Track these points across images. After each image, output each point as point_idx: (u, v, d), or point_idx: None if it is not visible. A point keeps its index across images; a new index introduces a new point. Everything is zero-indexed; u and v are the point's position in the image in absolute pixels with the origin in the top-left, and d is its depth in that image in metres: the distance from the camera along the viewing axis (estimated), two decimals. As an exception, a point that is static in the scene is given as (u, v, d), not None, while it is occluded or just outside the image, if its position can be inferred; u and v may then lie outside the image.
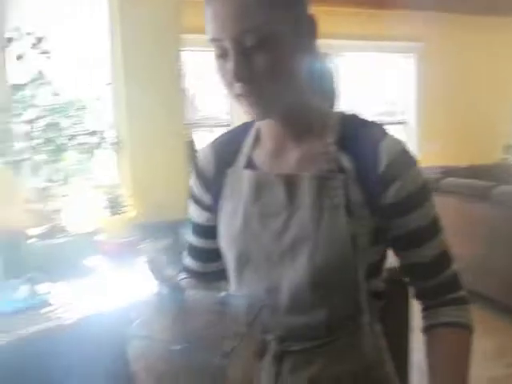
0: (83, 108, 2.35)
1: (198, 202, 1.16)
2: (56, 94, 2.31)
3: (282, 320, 1.02)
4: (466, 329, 1.04)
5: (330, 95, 1.11)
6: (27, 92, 2.24)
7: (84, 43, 2.72)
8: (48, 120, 2.26)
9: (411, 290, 1.11)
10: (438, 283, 1.04)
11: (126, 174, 2.87)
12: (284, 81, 0.96)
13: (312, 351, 1.02)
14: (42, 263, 2.16)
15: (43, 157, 2.28)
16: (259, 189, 1.04)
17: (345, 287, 1.00)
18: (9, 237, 2.28)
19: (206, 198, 1.14)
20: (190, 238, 1.20)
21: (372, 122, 1.05)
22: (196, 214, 1.18)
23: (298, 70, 0.99)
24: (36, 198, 2.42)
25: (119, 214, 2.58)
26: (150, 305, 0.93)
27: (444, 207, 4.67)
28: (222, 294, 0.97)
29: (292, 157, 1.04)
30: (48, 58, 2.26)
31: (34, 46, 2.25)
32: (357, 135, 1.00)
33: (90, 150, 2.37)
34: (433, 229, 1.03)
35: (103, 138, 2.41)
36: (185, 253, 1.24)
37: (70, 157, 2.40)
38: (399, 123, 6.57)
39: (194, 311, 0.92)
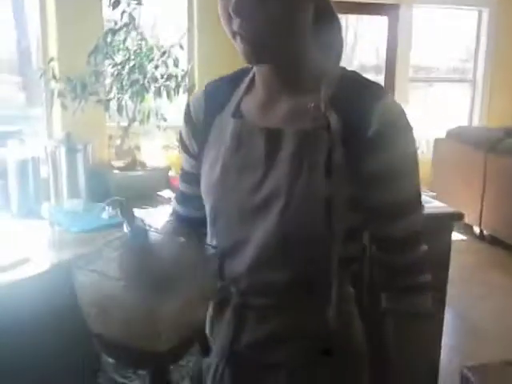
0: (165, 53, 2.57)
1: (184, 147, 1.15)
2: (143, 39, 2.53)
3: (246, 274, 0.99)
4: (427, 317, 1.02)
5: (333, 51, 1.03)
6: (118, 37, 2.47)
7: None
8: (133, 63, 2.49)
9: (376, 269, 1.07)
10: (404, 263, 1.01)
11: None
12: (286, 25, 0.90)
13: (273, 308, 1.00)
14: (123, 191, 2.44)
15: (128, 97, 2.53)
16: (240, 140, 1.00)
17: (314, 248, 0.96)
18: (97, 166, 2.58)
19: (192, 145, 1.11)
20: (179, 183, 1.20)
21: (372, 82, 0.98)
22: (183, 160, 1.18)
23: (303, 17, 0.93)
24: (120, 134, 2.70)
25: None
26: (112, 243, 0.92)
27: (502, 168, 4.71)
28: (181, 239, 0.99)
29: (280, 109, 0.99)
30: (139, 5, 2.47)
31: (126, -7, 2.46)
32: (352, 94, 0.94)
33: (168, 93, 2.59)
34: (410, 206, 0.99)
35: (180, 83, 2.62)
36: (174, 197, 1.25)
37: (150, 98, 2.63)
38: (467, 81, 6.48)
39: (151, 252, 0.92)
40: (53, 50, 2.94)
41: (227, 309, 1.03)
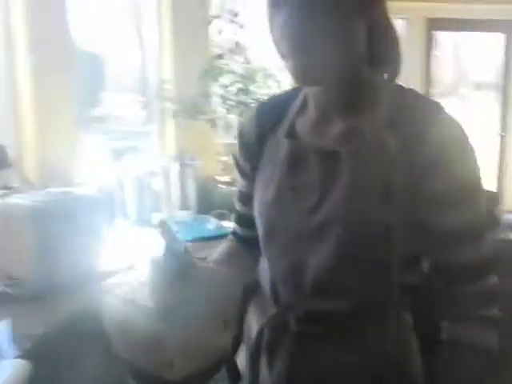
0: (269, 76, 2.72)
1: (238, 167, 1.11)
2: (247, 63, 2.70)
3: (305, 301, 0.95)
4: (488, 355, 0.91)
5: (390, 67, 0.95)
6: (224, 60, 2.66)
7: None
8: (239, 85, 2.67)
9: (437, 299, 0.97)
10: (469, 293, 0.91)
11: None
12: (336, 43, 0.86)
13: (332, 337, 0.95)
14: (227, 205, 2.59)
15: (234, 116, 2.71)
16: (295, 160, 0.95)
17: (372, 275, 0.91)
18: (204, 180, 2.77)
19: (245, 165, 1.07)
20: (235, 202, 1.17)
21: (429, 100, 0.93)
22: (238, 179, 1.14)
23: (354, 33, 0.89)
24: (225, 152, 2.88)
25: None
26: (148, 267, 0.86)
27: None
28: (216, 268, 0.94)
29: (335, 130, 0.93)
30: (242, 30, 2.65)
31: (231, 21, 2.65)
32: (409, 113, 0.88)
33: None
34: (473, 232, 0.90)
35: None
36: (233, 216, 1.22)
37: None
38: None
39: (189, 280, 0.84)
40: (167, 73, 3.21)
41: (285, 336, 0.97)
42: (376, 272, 0.91)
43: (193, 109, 2.69)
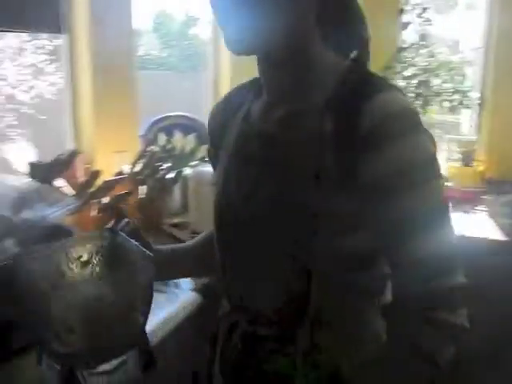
0: (453, 69, 2.72)
1: (208, 156, 1.05)
2: (431, 56, 2.73)
3: (248, 300, 0.90)
4: (430, 359, 0.76)
5: (352, 47, 0.85)
6: (408, 54, 2.73)
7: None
8: (420, 78, 2.72)
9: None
10: (420, 294, 0.76)
11: (484, 131, 3.11)
12: (276, 9, 0.75)
13: (279, 340, 0.85)
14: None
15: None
16: (241, 145, 0.89)
17: (299, 276, 0.81)
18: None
19: (210, 153, 1.02)
20: None
21: (374, 77, 0.80)
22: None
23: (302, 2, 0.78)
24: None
25: (470, 166, 2.89)
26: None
27: None
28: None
29: (278, 113, 0.85)
30: (429, 25, 2.69)
31: (419, 15, 2.71)
32: (348, 92, 0.77)
33: (452, 107, 2.73)
34: (422, 223, 0.75)
35: (466, 98, 2.73)
36: None
37: (434, 111, 2.81)
38: None
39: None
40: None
41: (234, 334, 0.90)
42: (312, 264, 0.80)
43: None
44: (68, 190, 1.49)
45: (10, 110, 3.34)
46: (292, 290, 0.82)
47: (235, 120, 0.93)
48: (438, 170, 0.77)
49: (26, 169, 1.66)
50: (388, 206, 0.75)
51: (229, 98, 0.99)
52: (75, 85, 2.02)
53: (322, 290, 0.80)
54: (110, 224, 0.94)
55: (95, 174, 1.49)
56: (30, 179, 1.34)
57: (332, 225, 0.78)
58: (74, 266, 0.79)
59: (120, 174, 1.74)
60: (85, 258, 0.80)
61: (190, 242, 1.11)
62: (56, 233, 1.20)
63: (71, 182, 1.56)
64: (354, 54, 0.84)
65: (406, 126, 0.74)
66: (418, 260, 0.75)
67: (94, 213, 1.69)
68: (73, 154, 1.46)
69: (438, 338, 0.76)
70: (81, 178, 1.73)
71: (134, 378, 0.86)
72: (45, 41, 4.27)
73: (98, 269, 0.80)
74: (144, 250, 0.83)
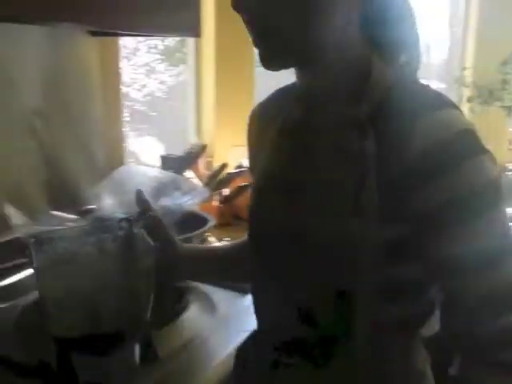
0: None
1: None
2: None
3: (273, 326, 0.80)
4: None
5: (399, 50, 0.73)
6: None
7: None
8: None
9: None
10: (488, 332, 0.67)
11: None
12: (309, 15, 0.65)
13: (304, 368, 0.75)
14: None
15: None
16: (274, 159, 0.79)
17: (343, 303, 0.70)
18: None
19: (249, 153, 0.91)
20: None
21: (431, 92, 0.68)
22: None
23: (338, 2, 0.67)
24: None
25: None
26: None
27: None
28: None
29: (315, 122, 0.74)
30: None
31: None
32: (397, 108, 0.66)
33: None
34: (486, 258, 0.64)
35: None
36: None
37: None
38: None
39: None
40: (469, 60, 3.26)
41: (260, 356, 0.80)
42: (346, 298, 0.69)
43: (489, 95, 2.72)
44: (196, 180, 1.59)
45: (126, 108, 3.60)
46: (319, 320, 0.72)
47: (272, 126, 0.80)
48: (501, 194, 0.65)
49: (155, 161, 1.80)
50: (445, 237, 0.64)
51: (270, 101, 0.87)
52: (199, 82, 2.14)
53: (357, 321, 0.69)
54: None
55: (223, 167, 1.58)
56: (166, 170, 1.45)
57: (373, 253, 0.66)
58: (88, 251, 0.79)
59: (240, 167, 1.82)
60: (99, 245, 0.79)
61: (225, 246, 1.07)
62: (191, 219, 1.31)
63: (197, 173, 1.67)
64: (402, 59, 0.73)
65: (465, 149, 0.63)
66: (482, 297, 0.66)
67: (215, 203, 1.79)
68: (202, 148, 1.56)
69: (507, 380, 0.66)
70: (203, 170, 1.84)
71: (131, 368, 0.81)
72: (157, 41, 4.50)
73: (109, 256, 0.79)
74: (148, 239, 0.82)
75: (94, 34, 1.41)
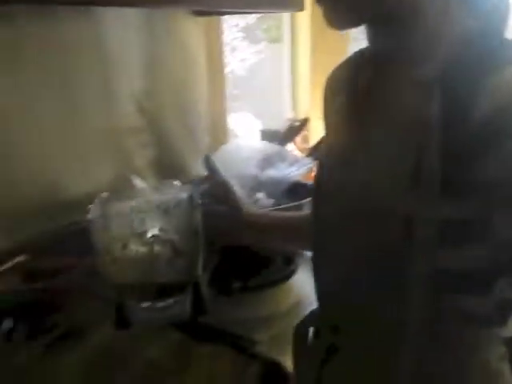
0: None
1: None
2: None
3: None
4: None
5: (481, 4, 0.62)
6: None
7: None
8: None
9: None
10: None
11: None
12: None
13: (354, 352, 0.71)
14: None
15: None
16: (344, 118, 0.74)
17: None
18: None
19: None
20: None
21: (508, 45, 0.58)
22: None
23: None
24: None
25: None
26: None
27: None
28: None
29: (382, 83, 0.67)
30: None
31: None
32: (473, 63, 0.57)
33: None
34: None
35: None
36: None
37: None
38: None
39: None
40: None
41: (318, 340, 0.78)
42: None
43: None
44: (296, 153, 1.63)
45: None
46: (376, 309, 0.65)
47: (343, 90, 0.76)
48: None
49: (254, 136, 1.85)
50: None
51: (343, 65, 0.81)
52: (295, 61, 2.17)
53: (415, 313, 0.61)
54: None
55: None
56: (272, 143, 1.49)
57: (430, 234, 0.58)
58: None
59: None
60: (163, 206, 0.83)
61: (294, 214, 1.04)
62: (297, 189, 1.36)
63: (296, 146, 1.70)
64: (487, 8, 0.62)
65: None
66: None
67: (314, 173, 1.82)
68: (304, 122, 1.59)
69: None
70: (301, 143, 1.87)
71: (182, 320, 0.85)
72: (239, 19, 4.54)
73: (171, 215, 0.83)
74: (198, 201, 0.83)
75: (198, 13, 1.47)
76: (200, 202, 0.83)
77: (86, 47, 1.20)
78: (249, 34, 2.26)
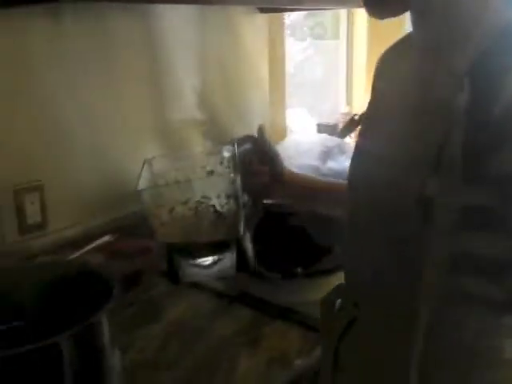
0: None
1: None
2: None
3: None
4: None
5: None
6: None
7: None
8: None
9: None
10: None
11: None
12: None
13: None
14: None
15: None
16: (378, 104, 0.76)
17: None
18: None
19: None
20: None
21: None
22: None
23: None
24: None
25: None
26: None
27: None
28: None
29: (416, 71, 0.68)
30: None
31: None
32: (501, 54, 0.58)
33: None
34: None
35: None
36: None
37: None
38: None
39: None
40: None
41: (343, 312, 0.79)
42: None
43: None
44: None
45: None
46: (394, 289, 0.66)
47: (384, 75, 0.77)
48: None
49: (309, 130, 1.89)
50: None
51: (391, 49, 0.80)
52: (351, 56, 2.20)
53: (432, 299, 0.61)
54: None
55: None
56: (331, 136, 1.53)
57: (449, 219, 0.59)
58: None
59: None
60: (209, 167, 0.89)
61: (333, 180, 1.05)
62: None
63: (355, 139, 1.72)
64: None
65: None
66: None
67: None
68: (362, 116, 1.61)
69: None
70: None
71: (228, 275, 0.90)
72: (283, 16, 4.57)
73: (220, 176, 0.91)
74: (236, 161, 0.88)
75: (262, 10, 1.52)
76: (241, 161, 0.87)
77: (157, 44, 1.28)
78: (293, 32, 2.29)
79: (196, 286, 1.05)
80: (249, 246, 0.92)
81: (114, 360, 0.68)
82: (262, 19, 1.55)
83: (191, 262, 0.87)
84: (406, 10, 0.64)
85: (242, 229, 0.88)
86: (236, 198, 0.86)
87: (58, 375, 0.61)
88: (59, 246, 1.06)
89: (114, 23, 1.18)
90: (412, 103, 0.65)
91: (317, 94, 2.31)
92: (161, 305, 1.01)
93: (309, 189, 0.96)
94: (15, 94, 1.04)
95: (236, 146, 0.89)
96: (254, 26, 1.53)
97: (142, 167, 0.85)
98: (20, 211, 1.05)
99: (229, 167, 0.90)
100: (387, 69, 0.76)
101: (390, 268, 0.65)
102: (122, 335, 0.88)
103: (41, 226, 1.07)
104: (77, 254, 1.02)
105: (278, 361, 0.86)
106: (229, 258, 0.88)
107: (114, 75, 1.20)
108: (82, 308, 0.65)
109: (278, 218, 1.14)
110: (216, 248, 0.87)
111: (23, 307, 0.75)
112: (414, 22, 0.66)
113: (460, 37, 0.60)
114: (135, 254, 1.03)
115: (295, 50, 2.27)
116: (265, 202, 0.97)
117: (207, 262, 0.87)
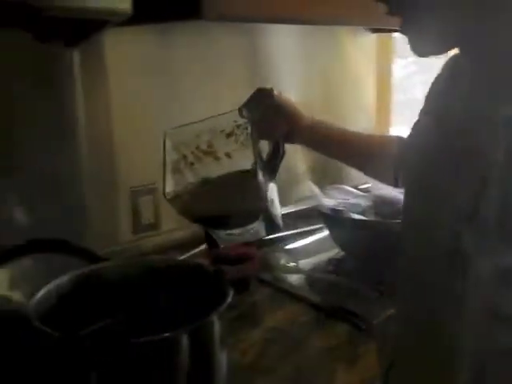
0: None
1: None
2: None
3: None
4: None
5: None
6: None
7: None
8: None
9: None
10: None
11: None
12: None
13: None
14: None
15: None
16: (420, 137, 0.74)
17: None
18: None
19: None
20: None
21: None
22: None
23: None
24: None
25: None
26: None
27: None
28: None
29: (456, 113, 0.60)
30: None
31: None
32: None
33: None
34: None
35: None
36: None
37: None
38: None
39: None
40: None
41: None
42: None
43: None
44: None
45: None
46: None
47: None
48: None
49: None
50: None
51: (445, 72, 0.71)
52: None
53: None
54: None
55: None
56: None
57: (485, 274, 0.54)
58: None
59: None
60: (227, 130, 0.88)
61: (354, 132, 1.05)
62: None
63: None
64: None
65: None
66: None
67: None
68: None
69: None
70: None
71: (259, 237, 0.94)
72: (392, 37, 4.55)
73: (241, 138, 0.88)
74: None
75: (373, 30, 1.54)
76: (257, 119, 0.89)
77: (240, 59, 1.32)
78: (398, 49, 2.28)
79: (293, 296, 1.08)
80: (277, 211, 0.94)
81: (223, 360, 0.71)
82: (370, 40, 1.56)
83: (225, 232, 0.92)
84: (449, 51, 0.58)
85: (267, 197, 0.90)
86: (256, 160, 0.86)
87: (173, 369, 0.64)
88: (168, 248, 1.13)
89: (219, 36, 1.25)
90: (451, 147, 0.58)
91: (417, 112, 2.28)
92: (261, 311, 1.05)
93: (327, 136, 1.01)
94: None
95: (247, 108, 0.90)
96: (361, 46, 1.55)
97: (164, 142, 0.88)
98: (135, 212, 1.13)
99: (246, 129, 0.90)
100: (434, 98, 0.70)
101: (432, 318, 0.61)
102: (227, 337, 0.93)
103: (153, 227, 1.14)
104: (184, 256, 1.08)
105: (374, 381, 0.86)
106: (259, 226, 0.93)
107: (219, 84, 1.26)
108: (193, 307, 0.69)
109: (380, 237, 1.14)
110: (246, 218, 0.91)
111: (131, 301, 0.79)
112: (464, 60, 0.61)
113: (507, 84, 0.53)
114: (239, 261, 1.07)
115: (396, 66, 2.27)
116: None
117: (239, 232, 0.92)
